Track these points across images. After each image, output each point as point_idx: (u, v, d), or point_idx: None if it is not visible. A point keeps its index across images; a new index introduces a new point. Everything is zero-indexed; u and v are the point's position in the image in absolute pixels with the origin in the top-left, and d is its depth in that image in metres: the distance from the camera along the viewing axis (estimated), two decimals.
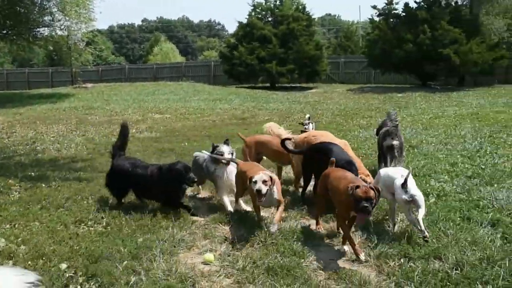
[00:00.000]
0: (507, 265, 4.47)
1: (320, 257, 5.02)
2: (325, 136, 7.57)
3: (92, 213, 6.39)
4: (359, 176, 6.03)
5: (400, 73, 32.80)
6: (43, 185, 8.01)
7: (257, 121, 16.76)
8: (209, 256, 4.99)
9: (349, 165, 6.06)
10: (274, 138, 7.92)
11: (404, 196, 5.18)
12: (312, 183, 7.05)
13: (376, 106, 21.11)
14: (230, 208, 6.44)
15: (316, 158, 6.57)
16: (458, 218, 5.83)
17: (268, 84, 36.13)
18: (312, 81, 37.18)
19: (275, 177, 5.70)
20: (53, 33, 30.92)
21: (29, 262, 4.81)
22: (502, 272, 4.33)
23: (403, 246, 5.02)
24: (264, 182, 5.46)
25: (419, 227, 5.12)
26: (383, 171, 5.94)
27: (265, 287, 4.27)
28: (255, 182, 5.46)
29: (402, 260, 4.76)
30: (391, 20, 31.38)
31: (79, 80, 36.81)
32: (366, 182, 5.61)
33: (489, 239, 5.13)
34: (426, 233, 5.09)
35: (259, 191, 5.40)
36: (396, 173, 5.60)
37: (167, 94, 28.83)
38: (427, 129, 13.05)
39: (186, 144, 12.13)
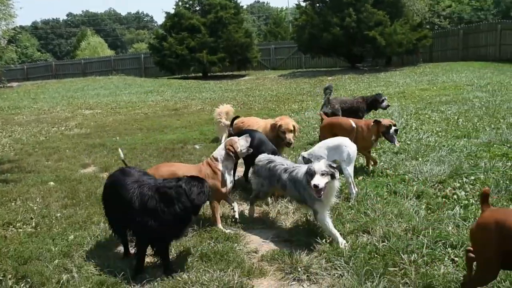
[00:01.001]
0: (430, 233, 4.73)
1: (253, 240, 5.14)
2: (252, 120, 7.73)
3: (21, 214, 6.23)
4: None
5: (329, 56, 33.38)
6: None
7: (190, 111, 16.74)
8: None
9: (273, 154, 6.23)
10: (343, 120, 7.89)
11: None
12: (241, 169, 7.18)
13: (308, 90, 21.46)
14: (341, 239, 4.87)
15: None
16: (386, 193, 6.11)
17: (200, 74, 35.96)
18: (244, 68, 37.33)
19: None
20: None
21: None
22: (426, 241, 4.57)
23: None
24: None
25: None
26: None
27: (198, 274, 4.32)
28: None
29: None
30: (318, 4, 31.76)
31: (3, 80, 35.27)
32: None
33: (414, 210, 5.41)
34: None
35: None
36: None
37: (97, 89, 28.20)
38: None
39: (118, 138, 11.96)
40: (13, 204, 6.81)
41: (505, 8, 48.55)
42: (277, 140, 7.03)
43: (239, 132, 7.17)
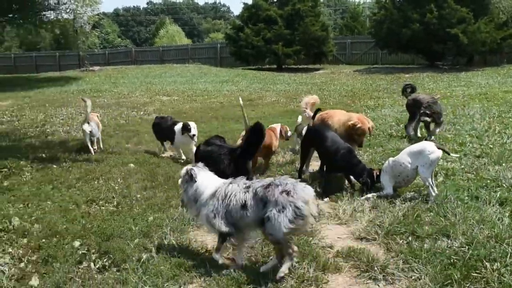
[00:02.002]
0: None
1: (328, 235, 5.11)
2: (338, 113, 7.67)
3: (103, 193, 6.52)
4: None
5: (407, 53, 32.51)
6: (54, 166, 8.15)
7: (264, 103, 16.81)
8: None
9: (349, 152, 6.37)
10: None
11: None
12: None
13: (384, 87, 21.02)
14: None
15: (313, 138, 6.92)
16: (466, 197, 5.88)
17: (274, 66, 36.01)
18: (319, 62, 37.00)
19: None
20: (59, 17, 30.98)
21: (43, 240, 4.93)
22: (510, 250, 4.35)
23: (411, 225, 5.07)
24: None
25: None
26: None
27: (274, 264, 4.35)
28: None
29: (410, 238, 4.82)
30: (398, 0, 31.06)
31: (86, 64, 36.82)
32: None
33: (497, 217, 5.17)
34: None
35: None
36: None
37: (174, 76, 28.87)
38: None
39: None
40: (95, 182, 7.12)
41: None
42: (349, 137, 7.01)
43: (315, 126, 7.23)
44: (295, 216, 3.93)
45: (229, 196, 4.26)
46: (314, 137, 6.82)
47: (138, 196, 6.40)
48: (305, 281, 4.09)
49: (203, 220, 4.43)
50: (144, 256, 4.51)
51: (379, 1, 32.27)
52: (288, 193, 3.98)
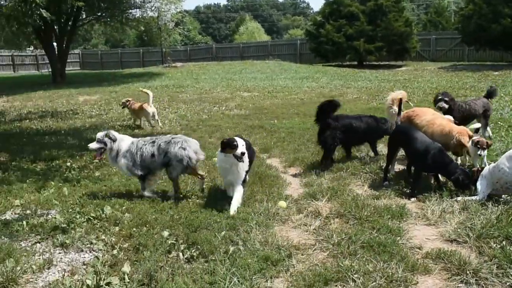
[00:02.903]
0: None
1: (416, 235, 4.95)
2: (426, 112, 7.42)
3: (190, 185, 6.65)
4: None
5: (496, 49, 31.04)
6: None
7: (345, 99, 16.55)
8: (283, 203, 5.81)
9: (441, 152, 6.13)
10: None
11: None
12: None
13: (471, 84, 20.13)
14: None
15: (400, 138, 6.75)
16: None
17: (355, 62, 35.49)
18: (401, 59, 36.09)
19: None
20: (144, 14, 32.09)
21: (134, 229, 5.09)
22: None
23: (505, 228, 4.80)
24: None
25: None
26: None
27: (361, 262, 4.26)
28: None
29: (504, 242, 4.56)
30: None
31: (169, 60, 37.88)
32: None
33: None
34: None
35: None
36: None
37: (254, 72, 29.11)
38: None
39: (276, 121, 12.22)
40: (181, 175, 7.25)
41: None
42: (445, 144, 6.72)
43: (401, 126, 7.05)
44: (187, 165, 6.10)
45: (141, 149, 6.22)
46: (402, 136, 6.63)
47: (223, 189, 6.48)
48: (393, 281, 3.97)
49: (123, 168, 6.31)
50: (231, 248, 4.55)
51: None
52: (184, 149, 6.08)
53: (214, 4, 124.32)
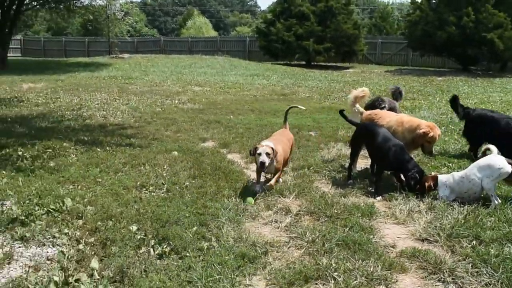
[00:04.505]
0: None
1: (388, 234, 4.96)
2: (389, 114, 7.48)
3: (152, 179, 6.43)
4: None
5: (440, 56, 32.11)
6: (98, 149, 8.08)
7: (298, 98, 16.66)
8: (250, 199, 5.71)
9: (401, 150, 6.21)
10: None
11: None
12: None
13: (418, 88, 20.66)
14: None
15: (364, 135, 6.78)
16: None
17: (303, 62, 35.82)
18: (349, 60, 36.75)
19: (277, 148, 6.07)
20: (93, 2, 31.20)
21: (99, 223, 4.85)
22: None
23: (473, 228, 4.88)
24: (268, 154, 5.85)
25: None
26: None
27: (339, 260, 4.21)
28: (260, 154, 5.85)
29: (474, 242, 4.63)
30: (433, 1, 30.58)
31: (116, 50, 36.98)
32: None
33: None
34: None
35: (262, 163, 5.83)
36: None
37: (204, 67, 28.86)
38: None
39: (232, 117, 12.09)
40: (142, 168, 7.04)
41: None
42: (414, 143, 6.84)
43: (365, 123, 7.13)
44: None
45: None
46: (366, 134, 6.66)
47: (187, 183, 6.29)
48: (374, 279, 3.94)
49: None
50: (205, 245, 4.40)
51: (414, 2, 31.82)
52: None
53: None
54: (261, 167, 5.86)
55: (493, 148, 5.89)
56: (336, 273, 3.98)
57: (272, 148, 5.88)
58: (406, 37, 32.37)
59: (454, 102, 8.66)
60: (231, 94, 17.51)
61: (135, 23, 69.65)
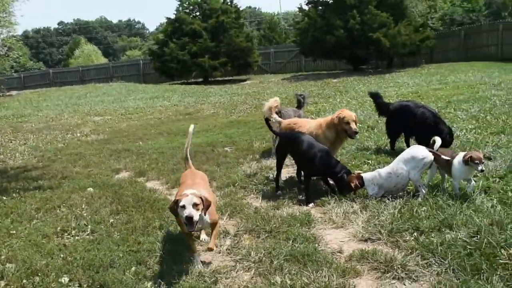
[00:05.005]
0: None
1: (331, 240, 4.90)
2: (308, 121, 7.52)
3: (73, 221, 5.95)
4: None
5: (331, 59, 33.28)
6: (4, 197, 7.41)
7: (204, 115, 16.51)
8: None
9: (327, 154, 6.26)
10: None
11: None
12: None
13: (317, 92, 21.17)
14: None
15: (288, 144, 6.74)
16: (450, 188, 5.87)
17: (201, 79, 35.71)
18: (245, 73, 37.13)
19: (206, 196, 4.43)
20: None
21: (24, 281, 4.37)
22: None
23: (410, 220, 4.99)
24: (195, 205, 4.24)
25: None
26: None
27: (292, 276, 4.06)
28: (183, 207, 4.22)
29: (415, 234, 4.70)
30: (320, 7, 31.62)
31: (2, 89, 34.81)
32: None
33: (490, 205, 5.18)
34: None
35: (189, 218, 4.17)
36: None
37: (100, 96, 27.89)
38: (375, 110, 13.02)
39: (141, 143, 11.67)
40: (58, 211, 6.52)
41: (496, 9, 48.90)
42: (338, 136, 6.92)
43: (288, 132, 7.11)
44: None
45: None
46: (290, 143, 6.61)
47: (112, 221, 5.88)
48: None
49: None
50: (149, 285, 4.08)
51: (302, 10, 32.74)
52: None
53: (44, 27, 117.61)
54: (189, 226, 4.19)
55: (438, 139, 5.99)
56: None
57: (200, 197, 4.28)
58: (298, 44, 33.21)
59: (375, 99, 8.95)
60: (134, 119, 16.99)
61: (19, 57, 66.37)
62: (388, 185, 5.88)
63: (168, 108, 19.73)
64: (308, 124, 7.30)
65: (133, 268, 4.39)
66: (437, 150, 5.80)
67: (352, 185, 5.97)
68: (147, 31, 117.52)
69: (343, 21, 28.20)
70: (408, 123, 8.07)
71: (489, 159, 6.72)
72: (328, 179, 6.46)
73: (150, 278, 4.24)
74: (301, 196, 6.33)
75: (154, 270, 4.40)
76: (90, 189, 7.53)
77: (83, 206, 6.60)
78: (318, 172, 6.37)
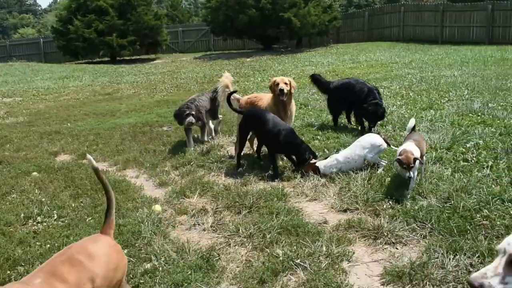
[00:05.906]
0: (482, 192, 4.86)
1: (312, 212, 5.03)
2: (264, 97, 7.56)
3: (34, 207, 5.61)
4: None
5: (242, 38, 33.41)
6: None
7: (125, 95, 16.08)
8: (157, 207, 5.34)
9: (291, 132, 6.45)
10: None
11: None
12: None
13: (234, 71, 21.20)
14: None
15: (253, 121, 6.76)
16: None
17: (107, 58, 34.52)
18: (153, 52, 36.40)
19: None
20: None
21: (9, 272, 4.11)
22: (484, 198, 4.70)
23: (381, 189, 5.25)
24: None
25: None
26: None
27: (292, 247, 4.15)
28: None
29: (390, 202, 4.92)
30: None
31: None
32: None
33: (450, 173, 5.54)
34: None
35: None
36: None
37: (2, 76, 26.12)
38: (301, 88, 13.25)
39: (69, 124, 11.15)
40: (10, 197, 6.12)
41: None
42: (277, 103, 7.11)
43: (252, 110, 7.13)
44: None
45: None
46: (254, 120, 6.64)
47: (75, 204, 5.63)
48: (335, 257, 3.97)
49: None
50: (148, 266, 4.00)
51: None
52: None
53: None
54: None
55: (412, 120, 6.21)
56: (298, 260, 3.92)
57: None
58: (209, 23, 32.96)
59: (316, 80, 9.15)
60: (50, 101, 16.11)
61: None
62: (346, 167, 6.07)
63: (83, 88, 18.95)
64: (264, 97, 7.42)
65: (124, 251, 4.25)
66: (410, 131, 6.04)
67: (311, 172, 6.14)
68: (39, 8, 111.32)
69: (255, 0, 28.32)
70: (348, 99, 8.41)
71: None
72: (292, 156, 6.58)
73: (146, 260, 4.15)
74: (270, 172, 6.35)
75: (148, 251, 4.29)
76: (35, 173, 7.13)
77: (36, 191, 6.25)
78: (283, 150, 6.48)
